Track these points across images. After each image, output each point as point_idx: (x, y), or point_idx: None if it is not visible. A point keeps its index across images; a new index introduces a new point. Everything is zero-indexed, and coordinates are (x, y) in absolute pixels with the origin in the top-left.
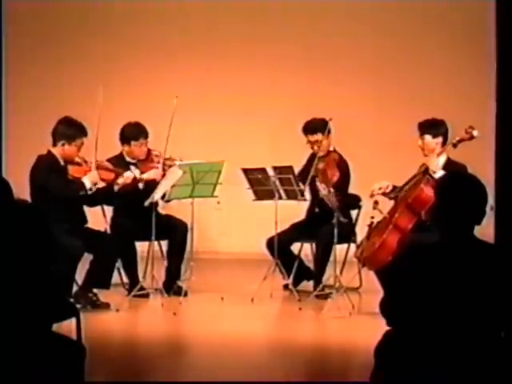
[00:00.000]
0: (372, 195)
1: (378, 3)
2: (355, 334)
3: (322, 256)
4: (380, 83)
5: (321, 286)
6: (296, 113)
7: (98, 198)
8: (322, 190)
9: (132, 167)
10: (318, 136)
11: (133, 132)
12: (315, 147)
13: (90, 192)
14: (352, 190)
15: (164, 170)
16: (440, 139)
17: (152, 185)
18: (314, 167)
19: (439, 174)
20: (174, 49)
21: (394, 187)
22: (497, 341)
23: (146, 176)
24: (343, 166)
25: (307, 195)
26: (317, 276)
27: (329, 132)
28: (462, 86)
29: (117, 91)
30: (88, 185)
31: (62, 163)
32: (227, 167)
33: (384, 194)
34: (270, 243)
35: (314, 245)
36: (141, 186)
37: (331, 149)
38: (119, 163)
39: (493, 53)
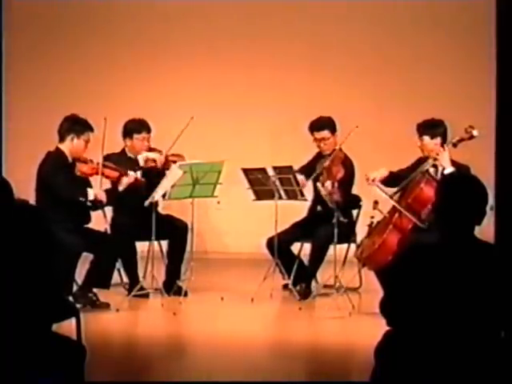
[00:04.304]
0: (370, 181)
1: (380, 2)
2: (355, 334)
3: (315, 257)
4: (381, 82)
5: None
6: (297, 112)
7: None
8: (323, 190)
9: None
10: (325, 133)
11: (135, 125)
12: (322, 145)
13: (88, 204)
14: (352, 189)
15: (165, 165)
16: (439, 140)
17: (152, 185)
18: (320, 165)
19: (449, 169)
20: (175, 46)
21: (391, 173)
22: (497, 341)
23: (146, 154)
24: (348, 165)
25: (311, 193)
26: (309, 277)
27: (335, 130)
28: (463, 85)
29: (117, 90)
30: (91, 196)
31: (70, 160)
32: (227, 167)
33: (381, 181)
34: (270, 243)
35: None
36: (139, 174)
37: (337, 148)
38: (121, 159)
39: (493, 52)
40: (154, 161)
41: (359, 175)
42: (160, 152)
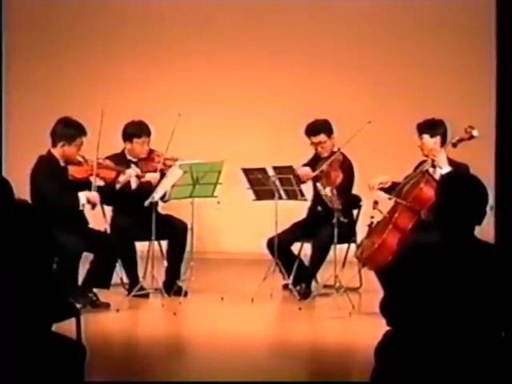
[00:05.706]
0: (371, 188)
1: (381, 2)
2: (355, 334)
3: (317, 258)
4: (381, 82)
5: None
6: (297, 111)
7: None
8: (322, 189)
9: (133, 166)
10: (321, 137)
11: (135, 129)
12: (319, 148)
13: (81, 208)
14: (353, 189)
15: (164, 169)
16: (438, 139)
17: (151, 185)
18: (319, 167)
19: (446, 169)
20: (173, 45)
21: (393, 183)
22: (497, 341)
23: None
24: (347, 167)
25: (311, 193)
26: (309, 277)
27: (332, 133)
28: (463, 85)
29: (116, 90)
30: (83, 200)
31: (62, 164)
32: (227, 167)
33: (382, 188)
34: (270, 243)
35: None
36: (134, 185)
37: (335, 149)
38: (120, 161)
39: (493, 52)
40: (149, 182)
41: (359, 175)
42: (158, 156)
